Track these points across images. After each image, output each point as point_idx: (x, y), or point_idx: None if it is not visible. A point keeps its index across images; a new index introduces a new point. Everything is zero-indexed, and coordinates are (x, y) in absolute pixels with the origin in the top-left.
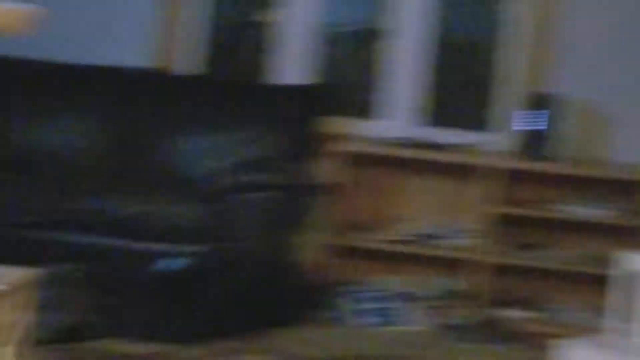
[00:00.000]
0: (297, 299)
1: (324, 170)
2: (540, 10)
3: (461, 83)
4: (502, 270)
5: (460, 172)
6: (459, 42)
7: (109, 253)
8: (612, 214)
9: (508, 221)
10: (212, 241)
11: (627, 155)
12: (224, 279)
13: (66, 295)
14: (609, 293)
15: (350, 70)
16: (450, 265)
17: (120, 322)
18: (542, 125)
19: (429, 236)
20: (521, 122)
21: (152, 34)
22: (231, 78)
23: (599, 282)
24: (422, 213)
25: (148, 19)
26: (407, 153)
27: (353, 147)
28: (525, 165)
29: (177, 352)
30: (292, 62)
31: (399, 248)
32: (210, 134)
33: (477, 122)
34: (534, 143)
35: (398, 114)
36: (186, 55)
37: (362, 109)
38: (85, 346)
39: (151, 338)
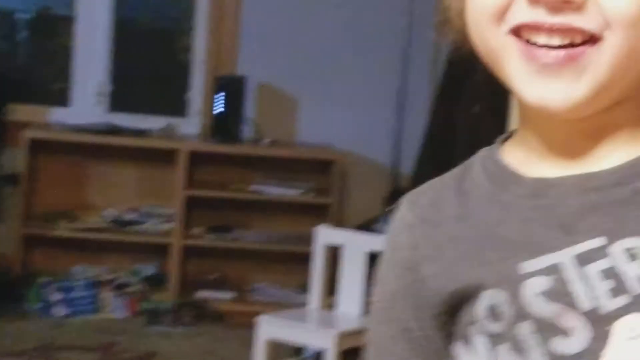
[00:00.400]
0: None
1: (12, 159)
2: None
3: (150, 69)
4: (196, 252)
5: (155, 157)
6: (146, 28)
7: None
8: (301, 193)
9: (201, 204)
10: None
11: (316, 135)
12: None
13: None
14: (310, 268)
15: (30, 57)
16: (146, 250)
17: None
18: (222, 108)
19: (124, 222)
20: (209, 105)
21: None
22: None
23: (298, 259)
24: (117, 200)
25: None
26: (96, 139)
27: (40, 135)
28: (213, 147)
29: None
30: None
31: (93, 236)
32: None
33: (170, 106)
34: (222, 126)
35: (87, 101)
36: None
37: (49, 96)
38: None
39: None
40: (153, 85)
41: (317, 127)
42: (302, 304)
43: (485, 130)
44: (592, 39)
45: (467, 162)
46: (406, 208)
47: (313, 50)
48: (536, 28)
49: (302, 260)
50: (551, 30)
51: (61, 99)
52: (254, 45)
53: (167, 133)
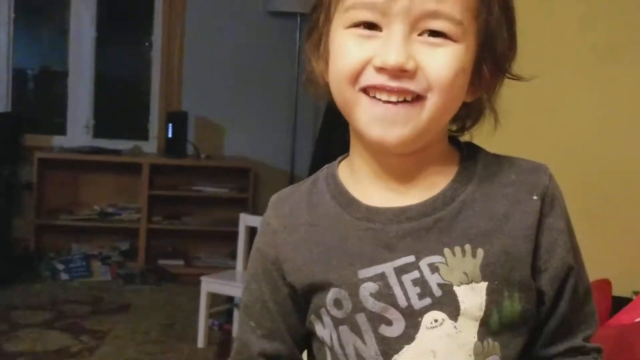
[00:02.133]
0: (17, 264)
1: (27, 172)
2: (169, 54)
3: (121, 107)
4: (157, 233)
5: (126, 168)
6: (118, 78)
7: None
8: (228, 190)
9: (159, 200)
10: None
11: (237, 150)
12: None
13: None
14: (236, 243)
15: (37, 101)
16: (122, 232)
17: None
18: (171, 134)
19: (107, 214)
20: (163, 132)
21: None
22: None
23: (228, 236)
24: (102, 199)
25: None
26: (85, 157)
27: (47, 155)
28: (169, 161)
29: None
30: None
31: (86, 224)
32: None
33: (136, 133)
34: (173, 146)
35: (78, 131)
36: None
37: (51, 128)
38: None
39: None
40: (123, 118)
41: (238, 145)
42: (232, 267)
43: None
44: (418, 97)
45: (314, 176)
46: (272, 212)
47: (233, 93)
48: (381, 89)
49: (231, 237)
50: (391, 91)
51: (60, 129)
52: (192, 90)
53: (134, 152)
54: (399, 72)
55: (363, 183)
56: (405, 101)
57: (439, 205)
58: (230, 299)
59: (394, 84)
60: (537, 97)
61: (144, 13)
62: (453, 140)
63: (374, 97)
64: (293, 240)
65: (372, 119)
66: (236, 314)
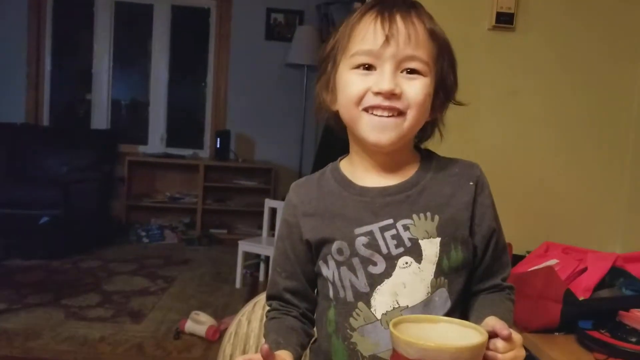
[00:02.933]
0: (114, 232)
1: (121, 169)
2: (217, 85)
3: (186, 125)
4: (208, 211)
5: (188, 168)
6: (182, 106)
7: (16, 215)
8: (257, 183)
9: (210, 189)
10: (64, 207)
11: (263, 156)
12: (73, 225)
13: None
14: (262, 218)
15: (128, 122)
16: (185, 211)
17: (19, 249)
18: (220, 145)
19: (175, 198)
20: (213, 143)
21: (24, 103)
22: (71, 127)
23: (257, 214)
24: (171, 188)
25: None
26: (160, 160)
27: (134, 158)
28: (217, 163)
29: (50, 263)
30: (101, 118)
31: (161, 205)
32: (63, 154)
33: (195, 144)
34: (220, 153)
35: (155, 141)
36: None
37: (137, 139)
38: None
39: (36, 256)
40: (186, 134)
41: (264, 152)
42: (259, 235)
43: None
44: (401, 113)
45: (321, 170)
46: (293, 193)
47: (261, 117)
48: (377, 107)
49: (258, 214)
50: (385, 108)
51: (143, 141)
52: (233, 115)
53: (194, 157)
54: (390, 95)
55: (358, 172)
56: (392, 116)
57: (408, 187)
58: (257, 256)
59: (386, 103)
60: (467, 118)
61: (201, 63)
62: (416, 147)
63: (372, 114)
64: (309, 210)
65: (371, 128)
66: (262, 265)
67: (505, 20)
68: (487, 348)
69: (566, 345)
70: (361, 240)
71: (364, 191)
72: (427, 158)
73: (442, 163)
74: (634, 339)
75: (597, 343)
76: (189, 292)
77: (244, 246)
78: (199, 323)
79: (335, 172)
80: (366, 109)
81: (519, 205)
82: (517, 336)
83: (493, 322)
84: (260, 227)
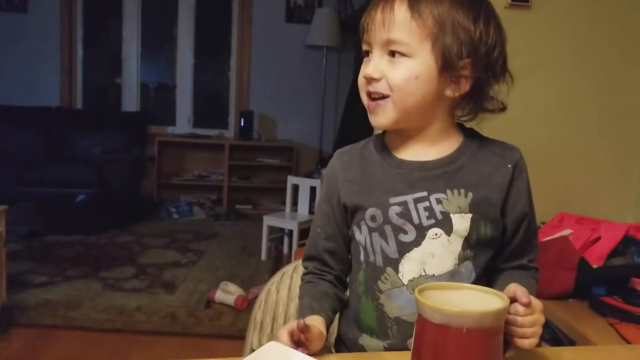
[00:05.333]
0: (146, 209)
1: (151, 150)
2: (240, 67)
3: (211, 107)
4: (234, 189)
5: (214, 147)
6: (209, 91)
7: (55, 194)
8: (279, 161)
9: (236, 168)
10: (98, 186)
11: (285, 135)
12: (108, 203)
13: (25, 215)
14: (285, 194)
15: (157, 104)
16: (212, 188)
17: (58, 226)
18: (244, 124)
19: (202, 176)
20: (237, 123)
21: (58, 87)
22: (103, 110)
23: (281, 190)
24: (199, 166)
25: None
26: (188, 140)
27: (163, 139)
28: (241, 142)
29: (88, 238)
30: (131, 101)
31: (189, 182)
32: (96, 135)
33: (220, 124)
34: (244, 132)
35: (183, 122)
36: (78, 97)
37: (166, 121)
38: (40, 240)
39: (74, 232)
40: (212, 114)
41: (286, 132)
42: (282, 210)
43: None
44: (384, 96)
45: (365, 140)
46: (336, 159)
47: (283, 98)
48: (368, 93)
49: (281, 191)
50: (369, 92)
51: (171, 122)
52: (256, 96)
53: (219, 136)
54: (370, 79)
55: (399, 146)
56: (375, 99)
57: (446, 163)
58: (281, 230)
59: (371, 88)
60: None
61: (225, 46)
62: (460, 125)
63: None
64: (348, 177)
65: (368, 113)
66: (285, 239)
67: None
68: (509, 312)
69: (580, 311)
70: (394, 209)
71: (403, 164)
72: (470, 137)
73: (483, 143)
74: None
75: (609, 308)
76: (218, 264)
77: (268, 221)
78: (228, 293)
79: (378, 143)
80: (368, 94)
81: (534, 177)
82: (537, 302)
83: (514, 287)
84: (283, 203)
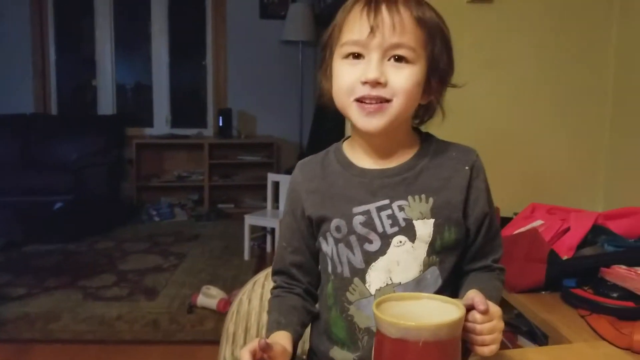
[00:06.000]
0: (126, 213)
1: (129, 152)
2: (217, 65)
3: (189, 106)
4: (215, 188)
5: (193, 147)
6: (185, 88)
7: (32, 202)
8: (260, 158)
9: (216, 166)
10: (76, 192)
11: (265, 131)
12: (86, 208)
13: (2, 225)
14: (266, 192)
15: (134, 105)
16: (193, 188)
17: (37, 235)
18: (222, 123)
19: (182, 177)
20: (216, 121)
21: (32, 93)
22: (79, 114)
23: (261, 187)
24: (178, 167)
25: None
26: (166, 141)
27: (141, 141)
28: (221, 141)
29: (67, 246)
30: (107, 103)
31: (169, 184)
32: (72, 141)
33: (199, 123)
34: (223, 130)
35: (160, 123)
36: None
37: (143, 122)
38: (19, 250)
39: (53, 241)
40: (190, 113)
41: (265, 128)
42: (264, 207)
43: (335, 134)
44: (387, 100)
45: (325, 150)
46: (297, 170)
47: (261, 94)
48: (366, 97)
49: (262, 188)
50: (371, 98)
51: (149, 123)
52: (234, 93)
53: (198, 136)
54: (376, 84)
55: (359, 154)
56: (378, 103)
57: (406, 169)
58: (263, 228)
59: (374, 93)
60: (449, 98)
61: (200, 44)
62: (416, 130)
63: (362, 102)
64: (311, 188)
65: (360, 116)
66: (268, 237)
67: None
68: (467, 320)
69: (552, 304)
70: (358, 219)
71: (364, 172)
72: (427, 142)
73: (440, 147)
74: (615, 294)
75: (580, 300)
76: (200, 267)
77: (250, 219)
78: (210, 297)
79: (338, 152)
80: (357, 99)
81: (506, 169)
82: (495, 309)
83: (473, 294)
84: (265, 200)
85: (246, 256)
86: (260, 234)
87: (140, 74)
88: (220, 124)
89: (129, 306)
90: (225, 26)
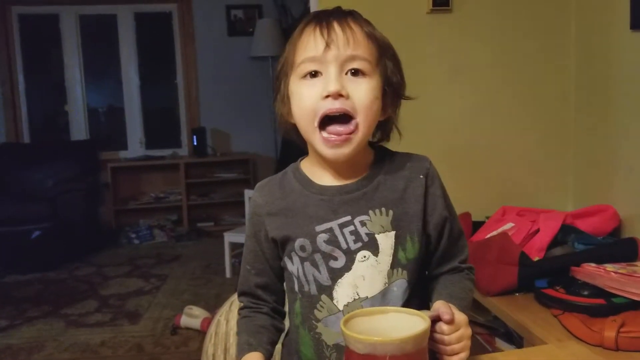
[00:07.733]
0: (105, 237)
1: (105, 176)
2: (188, 84)
3: (163, 127)
4: (194, 207)
5: (169, 167)
6: (157, 108)
7: (9, 232)
8: (236, 175)
9: (193, 185)
10: (53, 219)
11: (240, 148)
12: (65, 235)
13: None
14: (244, 208)
15: (107, 129)
16: (171, 209)
17: (15, 265)
18: (197, 141)
19: (160, 198)
20: (190, 141)
21: (2, 123)
22: (52, 140)
23: (238, 204)
24: (155, 188)
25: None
26: (141, 163)
27: (116, 164)
28: (196, 159)
29: (47, 275)
30: (80, 128)
31: (147, 205)
32: (47, 168)
33: (173, 143)
34: (198, 149)
35: (135, 146)
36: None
37: (117, 145)
38: None
39: (32, 270)
40: (164, 134)
41: (240, 144)
42: (244, 224)
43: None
44: (355, 130)
45: (283, 171)
46: (257, 193)
47: (233, 111)
48: (329, 113)
49: (241, 204)
50: (335, 111)
51: (123, 146)
52: (206, 112)
53: (173, 156)
54: (337, 96)
55: (318, 171)
56: (347, 134)
57: (364, 184)
58: (243, 245)
59: (336, 105)
60: (415, 107)
61: (170, 65)
62: (371, 144)
63: (327, 133)
64: (273, 210)
65: (326, 147)
66: None
67: (441, 2)
68: (434, 331)
69: (526, 305)
70: (322, 237)
71: (323, 190)
72: (381, 155)
73: (394, 159)
74: (586, 293)
75: (552, 300)
76: (182, 287)
77: (229, 237)
78: (193, 317)
79: (297, 172)
80: (321, 126)
81: (475, 174)
82: (461, 317)
83: (438, 305)
84: (243, 216)
85: (228, 274)
86: (241, 251)
87: (112, 97)
88: (195, 143)
89: (112, 331)
90: (194, 45)
